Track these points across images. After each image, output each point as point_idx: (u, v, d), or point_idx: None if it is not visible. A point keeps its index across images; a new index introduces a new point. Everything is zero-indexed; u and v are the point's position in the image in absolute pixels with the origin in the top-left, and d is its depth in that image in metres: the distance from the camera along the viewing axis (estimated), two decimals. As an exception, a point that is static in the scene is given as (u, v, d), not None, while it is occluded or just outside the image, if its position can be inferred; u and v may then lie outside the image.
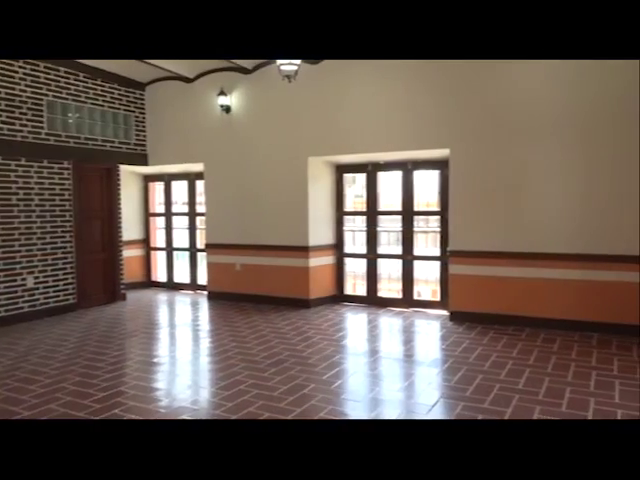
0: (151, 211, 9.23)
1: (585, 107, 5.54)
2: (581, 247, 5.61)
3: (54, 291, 7.03)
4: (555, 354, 4.91)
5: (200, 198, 8.56)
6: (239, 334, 5.86)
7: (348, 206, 7.71)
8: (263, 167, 7.40)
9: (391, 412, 3.75)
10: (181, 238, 9.02)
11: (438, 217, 6.93)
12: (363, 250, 7.51)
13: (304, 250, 7.16)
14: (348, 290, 7.69)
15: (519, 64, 5.74)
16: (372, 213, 7.38)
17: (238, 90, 7.52)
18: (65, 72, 7.11)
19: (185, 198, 8.90)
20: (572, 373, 4.38)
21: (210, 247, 7.98)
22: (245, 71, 7.42)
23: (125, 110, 8.02)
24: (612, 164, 5.46)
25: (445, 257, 6.61)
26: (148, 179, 9.13)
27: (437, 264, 6.96)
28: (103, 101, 7.66)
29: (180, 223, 9.04)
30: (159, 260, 9.29)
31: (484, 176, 6.05)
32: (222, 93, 7.47)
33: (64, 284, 7.15)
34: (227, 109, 7.56)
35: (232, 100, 7.56)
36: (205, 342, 5.73)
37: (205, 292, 8.19)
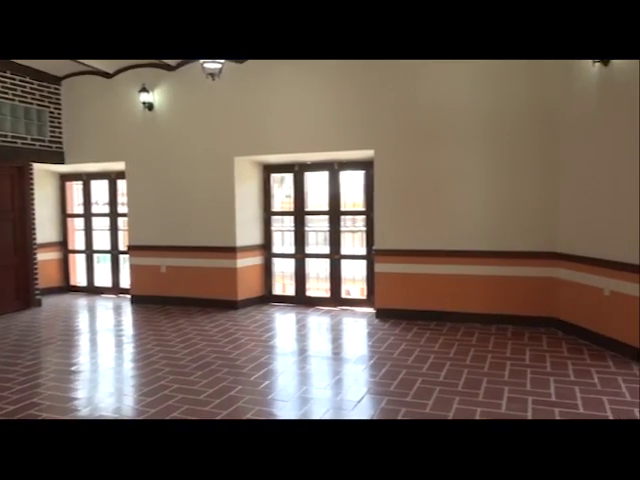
0: (69, 212, 8.77)
1: (496, 109, 5.86)
2: (495, 245, 5.94)
3: (-41, 299, 6.52)
4: (474, 346, 5.16)
5: (122, 198, 8.24)
6: (164, 338, 5.69)
7: (276, 206, 7.70)
8: (188, 166, 7.24)
9: (318, 410, 3.79)
10: (102, 240, 8.64)
11: (364, 217, 7.08)
12: (291, 250, 7.54)
13: (231, 251, 7.08)
14: (277, 290, 7.68)
15: (440, 67, 5.98)
16: (300, 213, 7.41)
17: (161, 87, 7.30)
18: (-31, 63, 6.62)
19: (106, 198, 8.53)
20: (489, 364, 4.62)
21: (133, 249, 7.70)
22: (168, 68, 7.23)
23: (39, 105, 7.57)
24: (519, 166, 5.82)
25: (371, 256, 6.76)
26: (65, 178, 8.67)
27: (364, 263, 7.11)
28: (13, 95, 7.18)
29: (101, 224, 8.65)
30: (78, 263, 8.84)
31: (407, 177, 6.25)
32: (144, 90, 7.23)
33: (-30, 291, 6.64)
34: (149, 106, 7.32)
35: (155, 97, 7.33)
36: (128, 348, 5.53)
37: (128, 296, 7.90)
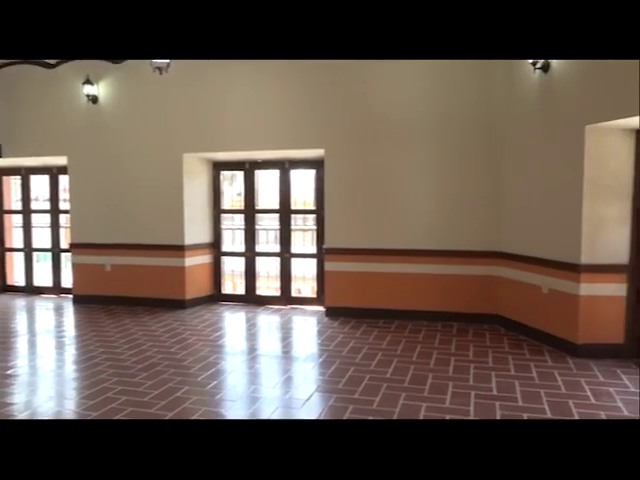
0: (6, 208, 8.35)
1: (443, 111, 6.02)
2: (443, 244, 6.09)
3: None
4: (420, 343, 5.27)
5: (64, 194, 7.92)
6: (108, 339, 5.52)
7: (227, 204, 7.61)
8: (134, 162, 7.04)
9: (267, 409, 3.77)
10: (42, 238, 8.27)
11: (315, 215, 7.10)
12: (242, 248, 7.47)
13: (180, 249, 6.94)
14: (226, 289, 7.60)
15: (390, 68, 6.08)
16: (250, 211, 7.36)
17: (107, 80, 7.07)
18: None
19: (47, 194, 8.17)
20: (434, 360, 4.74)
21: (76, 247, 7.42)
22: (114, 60, 6.99)
23: (-28, 95, 7.17)
24: (466, 167, 6.00)
25: (321, 254, 6.79)
26: (2, 173, 8.24)
27: (314, 261, 7.13)
28: (-56, 83, 6.77)
29: (41, 221, 8.28)
30: (16, 262, 8.43)
31: (357, 176, 6.32)
32: (88, 82, 6.97)
33: None
34: (94, 99, 7.07)
35: (100, 90, 7.08)
36: (69, 349, 5.32)
37: (70, 296, 7.60)
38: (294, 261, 7.27)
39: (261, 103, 6.57)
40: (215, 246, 7.48)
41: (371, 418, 3.51)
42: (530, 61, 5.10)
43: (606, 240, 4.72)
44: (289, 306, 7.12)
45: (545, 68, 5.01)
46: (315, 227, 7.10)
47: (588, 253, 4.71)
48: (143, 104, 6.98)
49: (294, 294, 7.30)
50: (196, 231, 7.15)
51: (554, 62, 4.95)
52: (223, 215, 7.55)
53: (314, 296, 7.13)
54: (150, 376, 4.37)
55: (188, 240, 6.99)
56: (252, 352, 5.22)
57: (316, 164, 6.87)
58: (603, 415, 3.52)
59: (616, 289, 4.73)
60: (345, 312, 6.39)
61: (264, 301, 7.28)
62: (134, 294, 7.14)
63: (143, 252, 7.08)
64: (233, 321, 6.55)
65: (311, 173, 7.07)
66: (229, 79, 6.63)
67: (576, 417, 3.49)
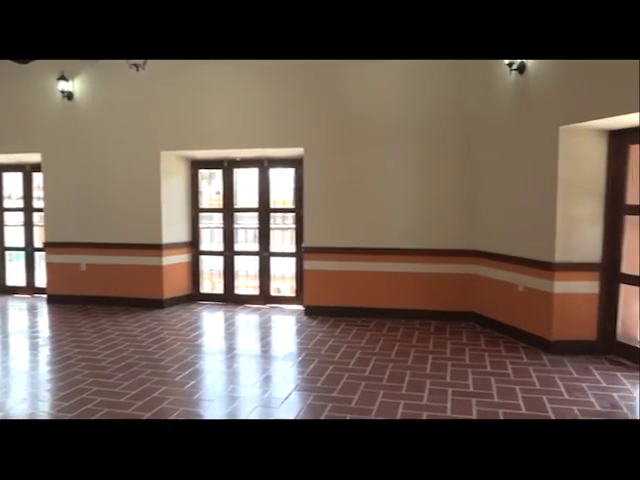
0: (-23, 206, 8.16)
1: (421, 112, 6.07)
2: (421, 243, 6.14)
3: None
4: (398, 341, 5.31)
5: (38, 192, 7.76)
6: (83, 340, 5.43)
7: (205, 203, 7.56)
8: (111, 160, 6.94)
9: (246, 408, 3.76)
10: (15, 236, 8.10)
11: (294, 214, 7.09)
12: (220, 247, 7.42)
13: (157, 248, 6.87)
14: (205, 288, 7.54)
15: (369, 68, 6.10)
16: (229, 210, 7.32)
17: (82, 76, 6.95)
18: None
19: (20, 192, 8.00)
20: (412, 358, 4.78)
21: (50, 246, 7.28)
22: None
23: (-58, 89, 6.98)
24: (445, 167, 6.06)
25: (301, 253, 6.79)
26: (-27, 169, 8.05)
27: (293, 260, 7.13)
28: None
29: (14, 220, 8.11)
30: (-12, 261, 8.24)
31: (336, 175, 6.33)
32: (63, 78, 6.85)
33: None
34: (69, 96, 6.95)
35: (75, 86, 6.96)
36: (44, 350, 5.22)
37: (44, 296, 7.46)
38: (273, 260, 7.25)
39: (240, 101, 6.54)
40: (193, 245, 7.42)
41: (349, 416, 3.52)
42: (506, 62, 5.18)
43: (579, 239, 4.81)
44: (268, 305, 7.10)
45: (521, 69, 5.09)
46: (294, 226, 7.10)
47: (562, 252, 4.80)
48: (120, 101, 6.88)
49: (273, 293, 7.28)
50: (174, 230, 7.08)
51: (529, 63, 5.03)
52: (201, 214, 7.49)
53: (293, 295, 7.13)
54: (127, 376, 4.31)
55: (166, 239, 6.92)
56: (231, 351, 5.19)
57: (295, 163, 6.87)
58: (576, 410, 3.60)
59: (589, 287, 4.83)
60: (324, 311, 6.40)
61: (243, 300, 7.25)
62: (110, 294, 7.04)
63: (120, 251, 6.99)
64: (211, 320, 6.51)
65: (290, 172, 7.06)
66: (208, 77, 6.58)
67: (550, 412, 3.56)
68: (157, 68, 6.33)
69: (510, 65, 5.14)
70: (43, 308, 7.06)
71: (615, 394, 3.89)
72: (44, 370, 4.67)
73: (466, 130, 5.97)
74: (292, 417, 3.58)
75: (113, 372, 4.42)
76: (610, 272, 4.79)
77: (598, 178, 4.80)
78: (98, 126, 6.96)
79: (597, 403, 3.73)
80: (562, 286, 4.81)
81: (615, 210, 4.76)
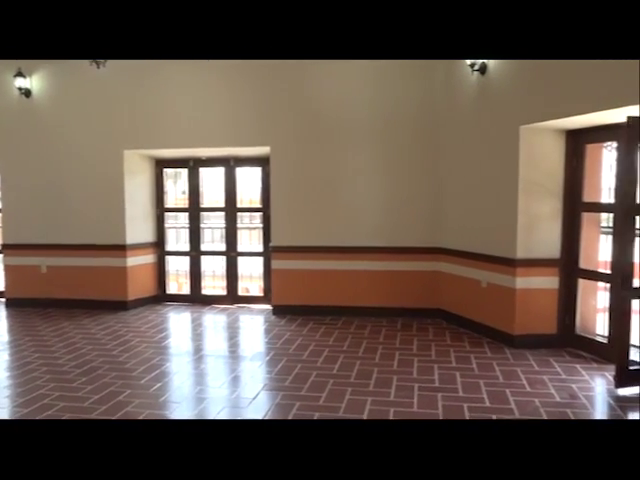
0: None
1: (386, 111, 6.12)
2: (388, 241, 6.20)
3: None
4: (366, 339, 5.35)
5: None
6: (44, 344, 5.28)
7: (171, 202, 7.45)
8: (72, 159, 6.76)
9: (213, 409, 3.73)
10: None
11: (261, 214, 7.06)
12: (186, 247, 7.33)
13: (121, 249, 6.73)
14: (171, 289, 7.44)
15: (334, 68, 6.11)
16: (195, 210, 7.23)
17: (41, 73, 6.74)
18: None
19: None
20: (379, 355, 4.83)
21: (8, 247, 7.05)
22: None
23: None
24: (410, 166, 6.14)
25: (268, 253, 6.76)
26: None
27: (261, 260, 7.10)
28: None
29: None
30: (-58, 264, 7.91)
31: (302, 174, 6.34)
32: (20, 74, 6.63)
33: None
34: (27, 93, 6.73)
35: (33, 83, 6.75)
36: (2, 355, 5.05)
37: (3, 299, 7.22)
38: (241, 260, 7.20)
39: (205, 100, 6.47)
40: (159, 245, 7.30)
41: (317, 414, 3.53)
42: (468, 63, 5.27)
43: (540, 236, 4.95)
44: (236, 305, 7.05)
45: (482, 70, 5.19)
46: (262, 225, 7.07)
47: (523, 248, 4.92)
48: (80, 99, 6.71)
49: (241, 293, 7.24)
50: (138, 230, 6.95)
51: (491, 64, 5.14)
52: (167, 213, 7.38)
53: (261, 295, 7.10)
54: (90, 380, 4.22)
55: (130, 239, 6.79)
56: (198, 352, 5.14)
57: (262, 162, 6.83)
58: (537, 402, 3.70)
59: (549, 282, 4.98)
60: (292, 310, 6.40)
61: (210, 301, 7.18)
62: (73, 296, 6.87)
63: (82, 252, 6.82)
64: (178, 321, 6.42)
65: (257, 171, 7.02)
66: (171, 75, 6.48)
67: (512, 405, 3.65)
68: (119, 66, 6.19)
69: (472, 66, 5.24)
70: (1, 312, 6.83)
71: (574, 385, 4.02)
72: (2, 376, 4.51)
73: (431, 130, 6.06)
74: (260, 417, 3.57)
75: (75, 376, 4.31)
76: (568, 267, 4.95)
77: (557, 176, 4.94)
78: (58, 124, 6.77)
79: (557, 394, 3.84)
80: (523, 282, 4.94)
81: (573, 207, 4.91)
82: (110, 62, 5.59)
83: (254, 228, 7.39)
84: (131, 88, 6.58)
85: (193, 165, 7.15)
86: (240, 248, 7.19)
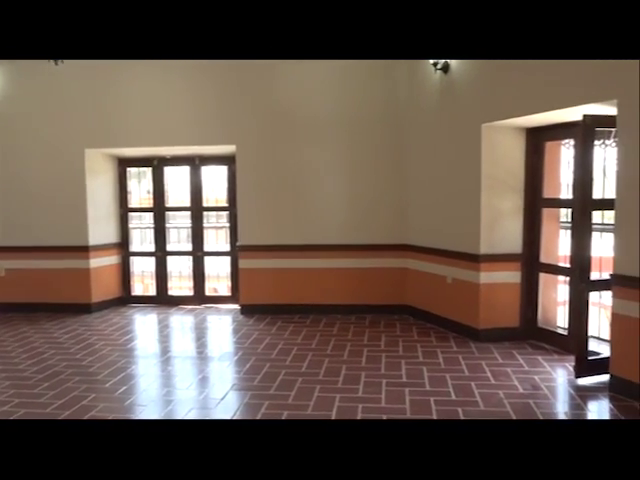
0: None
1: (352, 110, 6.16)
2: (353, 239, 6.24)
3: None
4: (334, 336, 5.38)
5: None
6: (3, 349, 5.12)
7: (135, 202, 7.31)
8: (30, 158, 6.56)
9: (181, 410, 3.68)
10: None
11: (228, 212, 7.01)
12: (152, 248, 7.21)
13: (83, 250, 6.57)
14: (136, 291, 7.31)
15: (299, 68, 6.10)
16: (160, 209, 7.11)
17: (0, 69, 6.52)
18: None
19: None
20: (348, 352, 4.86)
21: (-36, 251, 6.79)
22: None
23: None
24: (375, 165, 6.19)
25: (235, 252, 6.71)
26: None
27: (228, 259, 7.04)
28: None
29: None
30: None
31: (269, 173, 6.31)
32: (-26, 71, 6.39)
33: None
34: (-18, 90, 6.50)
35: (-12, 80, 6.52)
36: (-42, 362, 4.87)
37: (-41, 304, 6.95)
38: (207, 260, 7.13)
39: (168, 98, 6.37)
40: (123, 246, 7.16)
41: (286, 413, 3.53)
42: (431, 62, 5.35)
43: (502, 231, 5.07)
44: (203, 305, 6.98)
45: (445, 69, 5.28)
46: (228, 224, 7.01)
47: (486, 244, 5.03)
48: (40, 95, 6.51)
49: (208, 293, 7.17)
50: (101, 231, 6.80)
51: (453, 63, 5.23)
52: (131, 214, 7.24)
53: (229, 294, 7.04)
54: (52, 386, 4.10)
55: (93, 240, 6.63)
56: (165, 354, 5.07)
57: (228, 160, 6.77)
58: (501, 394, 3.79)
59: (511, 277, 5.10)
60: (260, 309, 6.37)
61: (177, 301, 7.08)
62: (34, 300, 6.66)
63: (43, 254, 6.62)
64: (144, 323, 6.32)
65: (223, 169, 6.96)
66: (133, 73, 6.34)
67: (477, 398, 3.73)
68: (80, 63, 6.02)
69: (435, 65, 5.31)
70: (-43, 318, 6.58)
71: (536, 377, 4.13)
72: (-41, 384, 4.36)
73: (396, 128, 6.12)
74: (229, 417, 3.55)
75: (37, 382, 4.19)
76: (530, 262, 5.08)
77: (518, 173, 5.06)
78: (15, 123, 6.55)
79: (520, 386, 3.95)
80: (487, 277, 5.05)
81: (533, 203, 5.05)
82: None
83: (221, 227, 7.33)
84: (92, 85, 6.42)
85: (157, 164, 7.03)
86: (207, 248, 7.12)
